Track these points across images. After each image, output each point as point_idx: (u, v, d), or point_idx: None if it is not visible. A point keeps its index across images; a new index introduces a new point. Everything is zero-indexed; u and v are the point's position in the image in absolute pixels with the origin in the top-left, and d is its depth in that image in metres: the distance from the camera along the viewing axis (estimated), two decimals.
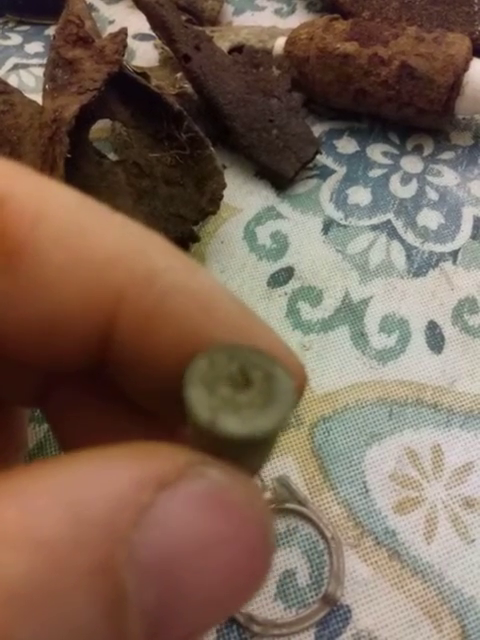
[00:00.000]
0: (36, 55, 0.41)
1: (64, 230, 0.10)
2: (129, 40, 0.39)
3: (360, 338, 0.27)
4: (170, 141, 0.28)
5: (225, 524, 0.09)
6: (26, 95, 0.29)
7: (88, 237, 0.10)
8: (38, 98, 0.29)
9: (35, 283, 0.10)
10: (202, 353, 0.10)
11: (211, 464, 0.09)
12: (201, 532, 0.08)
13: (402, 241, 0.30)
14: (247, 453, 0.10)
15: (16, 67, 0.40)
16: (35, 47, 0.42)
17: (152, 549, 0.08)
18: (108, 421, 0.13)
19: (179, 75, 0.35)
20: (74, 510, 0.08)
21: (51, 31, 0.42)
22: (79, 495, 0.08)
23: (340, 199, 0.32)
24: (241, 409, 0.09)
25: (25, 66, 0.40)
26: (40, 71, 0.38)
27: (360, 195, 0.33)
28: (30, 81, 0.39)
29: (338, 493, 0.23)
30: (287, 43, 0.35)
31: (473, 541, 0.22)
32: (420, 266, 0.29)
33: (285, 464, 0.23)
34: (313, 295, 0.28)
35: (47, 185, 0.10)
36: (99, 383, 0.13)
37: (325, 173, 0.34)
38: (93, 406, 0.13)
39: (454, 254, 0.30)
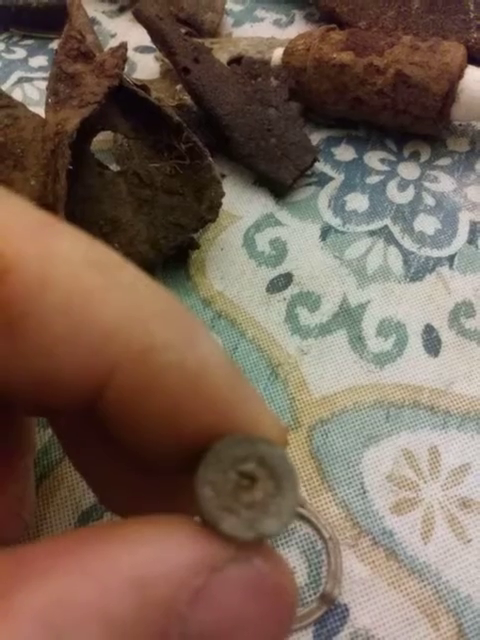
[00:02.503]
0: (40, 69, 0.42)
1: (67, 300, 0.10)
2: (130, 53, 0.39)
3: (357, 342, 0.27)
4: (170, 151, 0.28)
5: (264, 606, 0.10)
6: (30, 108, 0.30)
7: (90, 308, 0.10)
8: (42, 111, 0.30)
9: (34, 350, 0.10)
10: (210, 450, 0.11)
11: (255, 551, 0.10)
12: (243, 612, 0.10)
13: (399, 246, 0.31)
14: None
15: (20, 81, 0.41)
16: (39, 61, 0.43)
17: (201, 625, 0.09)
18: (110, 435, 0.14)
19: (179, 87, 0.36)
20: (141, 591, 0.09)
21: (55, 45, 0.43)
22: (145, 576, 0.09)
23: (338, 206, 0.33)
24: (249, 510, 0.10)
25: (29, 80, 0.41)
26: (44, 85, 0.39)
27: (358, 201, 0.33)
28: (34, 94, 0.40)
29: (336, 494, 0.23)
30: (284, 54, 0.36)
31: (469, 541, 0.22)
32: (417, 271, 0.30)
33: None
34: (311, 300, 0.29)
35: (55, 244, 0.10)
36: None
37: (323, 180, 0.34)
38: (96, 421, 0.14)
39: (451, 259, 0.30)
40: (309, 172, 0.34)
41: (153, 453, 0.12)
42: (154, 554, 0.09)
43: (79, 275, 0.10)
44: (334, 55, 0.34)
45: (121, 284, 0.11)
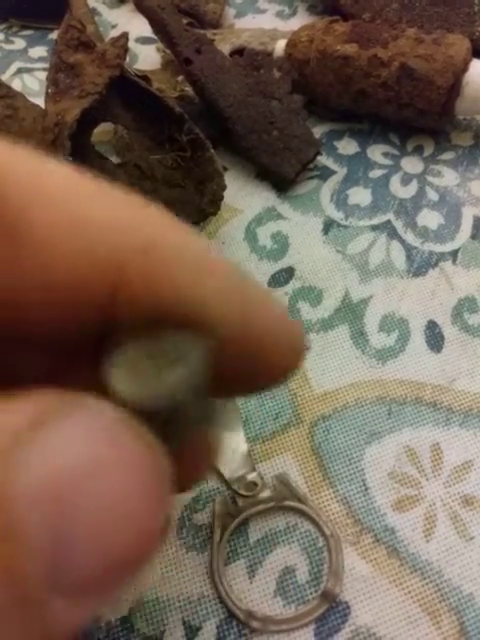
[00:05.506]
0: (40, 59, 0.42)
1: (64, 201, 0.10)
2: (131, 43, 0.39)
3: (360, 337, 0.27)
4: (171, 143, 0.28)
5: (110, 448, 0.09)
6: (30, 99, 0.29)
7: (88, 208, 0.10)
8: (42, 102, 0.29)
9: (39, 254, 0.10)
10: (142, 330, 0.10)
11: (98, 399, 0.09)
12: (85, 457, 0.08)
13: (402, 241, 0.31)
14: (159, 421, 0.10)
15: (20, 71, 0.41)
16: (39, 51, 0.42)
17: (37, 477, 0.08)
18: None
19: (180, 78, 0.36)
20: None
21: (55, 35, 0.42)
22: None
23: (340, 200, 0.33)
24: (145, 375, 0.10)
25: (29, 70, 0.41)
26: (44, 75, 0.38)
27: (360, 196, 0.33)
28: (34, 85, 0.40)
29: (337, 491, 0.23)
30: (287, 45, 0.35)
31: (472, 539, 0.22)
32: (420, 266, 0.30)
33: (285, 462, 0.23)
34: (313, 295, 0.29)
35: (45, 160, 0.11)
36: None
37: (326, 174, 0.34)
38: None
39: (454, 254, 0.30)
40: (311, 165, 0.34)
41: None
42: None
43: (71, 181, 0.11)
44: (338, 47, 0.33)
45: (112, 193, 0.11)
